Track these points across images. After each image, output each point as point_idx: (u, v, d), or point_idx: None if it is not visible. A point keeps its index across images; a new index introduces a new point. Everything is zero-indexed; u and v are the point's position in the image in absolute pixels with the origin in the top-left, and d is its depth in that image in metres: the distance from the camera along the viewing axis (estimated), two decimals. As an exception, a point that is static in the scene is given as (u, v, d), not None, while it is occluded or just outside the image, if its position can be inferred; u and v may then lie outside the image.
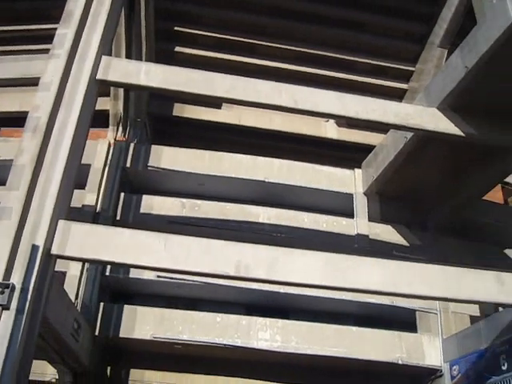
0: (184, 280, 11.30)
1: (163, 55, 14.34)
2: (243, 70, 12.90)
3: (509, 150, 10.77)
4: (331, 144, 15.27)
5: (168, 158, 12.97)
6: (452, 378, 11.39)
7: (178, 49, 15.02)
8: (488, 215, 14.03)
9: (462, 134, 10.22)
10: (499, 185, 14.97)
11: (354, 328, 11.61)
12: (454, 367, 11.41)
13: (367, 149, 13.74)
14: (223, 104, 14.48)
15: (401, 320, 12.33)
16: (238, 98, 9.44)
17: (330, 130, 15.17)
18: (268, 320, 11.26)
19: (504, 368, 10.10)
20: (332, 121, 14.85)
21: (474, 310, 12.51)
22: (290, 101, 9.46)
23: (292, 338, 11.13)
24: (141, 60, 12.89)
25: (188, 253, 7.97)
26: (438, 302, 11.92)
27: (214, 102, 13.87)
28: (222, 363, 11.56)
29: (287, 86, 9.80)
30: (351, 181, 13.43)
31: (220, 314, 11.21)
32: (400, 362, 11.40)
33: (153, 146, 13.14)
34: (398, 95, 15.46)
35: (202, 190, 12.87)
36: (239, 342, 11.00)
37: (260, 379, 11.66)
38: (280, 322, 11.31)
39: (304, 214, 13.00)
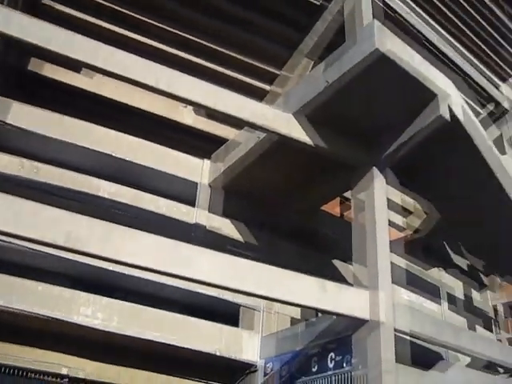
0: (10, 243, 10.65)
1: (31, 6, 13.43)
2: (119, 43, 12.44)
3: (354, 167, 11.37)
4: (186, 130, 15.15)
5: (15, 113, 12.07)
6: (265, 374, 11.92)
7: (49, 2, 14.10)
8: (326, 226, 14.72)
9: (311, 143, 10.67)
10: (338, 198, 15.73)
11: (178, 315, 11.64)
12: (268, 364, 11.91)
13: (220, 141, 13.89)
14: (87, 70, 13.85)
15: (224, 313, 12.59)
16: (97, 64, 9.19)
17: (187, 117, 15.08)
18: (92, 296, 10.93)
19: (314, 370, 10.76)
20: (190, 107, 14.79)
21: (296, 313, 13.05)
22: (152, 79, 9.37)
23: (114, 317, 10.91)
24: (2, 5, 12.03)
25: (18, 215, 7.63)
26: (262, 300, 12.25)
27: (74, 65, 13.23)
28: (39, 334, 11.02)
29: (153, 65, 9.69)
30: (198, 170, 13.43)
31: (42, 284, 10.70)
32: (218, 354, 11.62)
33: (0, 98, 12.30)
34: (262, 96, 15.72)
35: (45, 152, 12.22)
36: (59, 315, 10.55)
37: (76, 355, 11.30)
38: (105, 299, 11.04)
39: (146, 194, 12.81)
